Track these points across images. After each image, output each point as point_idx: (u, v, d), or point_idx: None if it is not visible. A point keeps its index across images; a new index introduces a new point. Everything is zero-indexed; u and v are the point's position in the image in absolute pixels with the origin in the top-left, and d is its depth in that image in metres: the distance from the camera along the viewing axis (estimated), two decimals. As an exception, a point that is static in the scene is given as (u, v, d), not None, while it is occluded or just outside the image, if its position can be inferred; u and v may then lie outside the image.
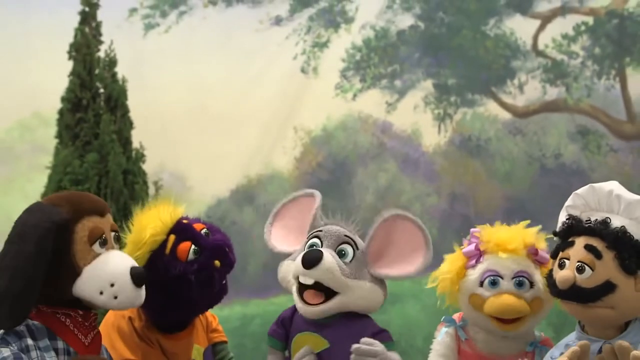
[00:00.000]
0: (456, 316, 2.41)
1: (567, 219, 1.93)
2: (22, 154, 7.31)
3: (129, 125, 5.39)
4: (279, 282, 2.49)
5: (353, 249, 2.33)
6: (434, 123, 7.00)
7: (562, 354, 1.95)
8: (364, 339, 2.23)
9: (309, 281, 2.27)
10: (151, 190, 5.35)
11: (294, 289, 2.33)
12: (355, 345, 2.21)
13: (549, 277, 1.93)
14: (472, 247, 2.31)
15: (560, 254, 1.89)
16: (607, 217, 1.86)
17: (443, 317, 2.43)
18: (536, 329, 2.36)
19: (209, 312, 2.53)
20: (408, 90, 7.12)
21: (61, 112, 5.26)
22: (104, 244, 1.88)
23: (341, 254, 2.31)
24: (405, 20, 7.23)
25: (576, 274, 1.82)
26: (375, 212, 2.42)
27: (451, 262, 2.35)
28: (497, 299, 2.21)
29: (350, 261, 2.31)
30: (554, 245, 2.01)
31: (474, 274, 2.27)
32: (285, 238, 2.49)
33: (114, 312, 2.37)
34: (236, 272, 2.41)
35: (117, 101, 5.33)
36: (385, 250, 2.37)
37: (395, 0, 7.26)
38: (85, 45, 5.33)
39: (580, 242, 1.85)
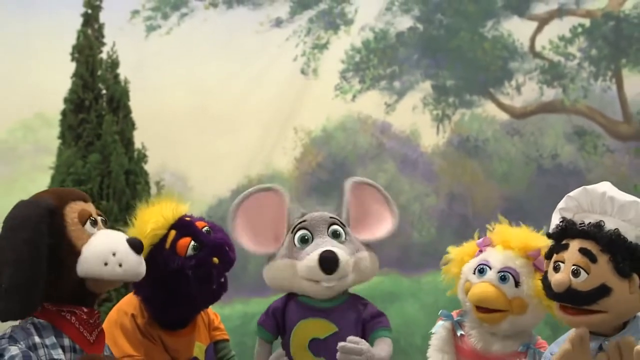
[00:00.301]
0: (454, 312, 2.43)
1: (560, 222, 1.92)
2: (25, 154, 7.31)
3: (131, 126, 5.39)
4: (268, 284, 2.48)
5: (341, 227, 2.37)
6: (433, 124, 7.00)
7: None
8: (350, 337, 2.24)
9: (331, 284, 2.28)
10: (153, 190, 5.35)
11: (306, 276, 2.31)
12: (341, 343, 2.22)
13: (544, 279, 1.93)
14: (484, 239, 2.35)
15: (555, 257, 1.89)
16: (600, 220, 1.85)
17: (440, 311, 2.44)
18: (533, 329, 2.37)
19: (211, 310, 2.54)
20: (407, 91, 7.12)
21: (64, 113, 5.27)
22: (94, 224, 1.91)
23: (336, 235, 2.34)
24: (404, 22, 7.23)
25: (571, 277, 1.82)
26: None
27: (464, 247, 2.40)
28: (477, 287, 2.24)
29: (345, 239, 2.35)
30: None
31: (473, 262, 2.30)
32: (260, 238, 2.45)
33: (117, 309, 2.37)
34: (237, 270, 2.41)
35: (119, 102, 5.34)
36: (361, 217, 2.43)
37: (394, 3, 7.26)
38: (88, 47, 5.33)
39: (574, 245, 1.85)
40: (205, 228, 2.31)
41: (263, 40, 7.31)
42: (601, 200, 1.89)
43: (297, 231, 2.36)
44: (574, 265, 1.82)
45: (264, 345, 2.43)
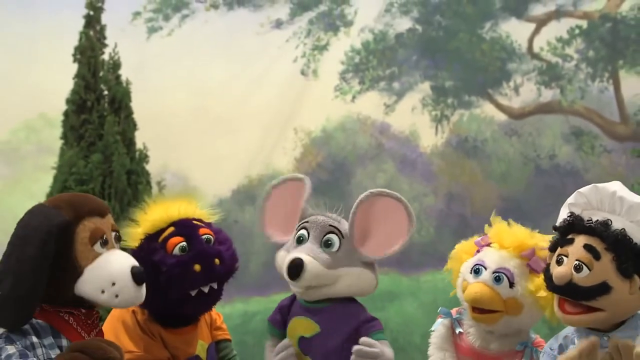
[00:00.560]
0: (453, 310, 2.43)
1: (568, 216, 1.92)
2: (27, 155, 7.31)
3: (133, 126, 5.39)
4: (280, 275, 2.48)
5: (339, 237, 2.31)
6: (431, 124, 7.00)
7: (560, 345, 1.96)
8: (364, 339, 2.21)
9: (299, 290, 2.27)
10: (154, 190, 5.35)
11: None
12: (356, 347, 2.19)
13: (546, 272, 1.93)
14: (482, 238, 2.35)
15: (559, 250, 1.88)
16: (608, 219, 1.85)
17: (439, 309, 2.44)
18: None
19: (214, 310, 2.53)
20: (406, 92, 7.12)
21: (66, 114, 5.26)
22: (104, 244, 1.88)
23: (327, 244, 2.30)
24: (403, 24, 7.23)
25: (573, 272, 1.82)
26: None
27: (463, 245, 2.40)
28: (472, 287, 2.23)
29: (338, 250, 2.30)
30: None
31: (470, 261, 2.30)
32: (279, 225, 2.45)
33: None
34: (238, 270, 2.41)
35: (121, 103, 5.33)
36: (369, 232, 2.34)
37: (394, 4, 7.26)
38: (90, 48, 5.33)
39: (580, 240, 1.85)
40: (207, 236, 2.29)
41: (263, 42, 7.31)
42: (611, 199, 1.89)
43: (299, 229, 2.36)
44: (577, 260, 1.82)
45: (273, 340, 2.43)
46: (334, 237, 2.30)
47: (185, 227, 2.28)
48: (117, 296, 1.84)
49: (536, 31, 7.01)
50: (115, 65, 5.42)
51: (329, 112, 7.13)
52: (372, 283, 2.37)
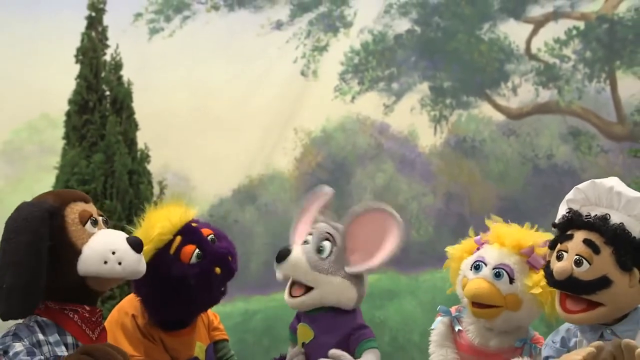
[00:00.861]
0: (453, 308, 2.43)
1: (567, 212, 1.92)
2: (30, 155, 7.31)
3: (134, 126, 5.39)
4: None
5: (331, 244, 2.34)
6: (430, 124, 7.00)
7: (562, 337, 1.96)
8: (332, 352, 2.24)
9: (279, 275, 2.33)
10: (156, 189, 5.35)
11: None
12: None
13: (546, 268, 1.93)
14: (482, 236, 2.35)
15: (559, 246, 1.89)
16: (606, 213, 1.86)
17: (439, 307, 2.44)
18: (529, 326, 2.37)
19: (211, 311, 2.53)
20: (405, 93, 7.12)
21: (68, 114, 5.27)
22: (95, 223, 1.92)
23: (319, 250, 2.33)
24: (402, 25, 7.23)
25: (574, 266, 1.82)
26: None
27: (463, 245, 2.40)
28: (472, 283, 2.24)
29: (327, 257, 2.32)
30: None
31: (470, 259, 2.30)
32: (303, 234, 2.48)
33: (117, 309, 2.37)
34: (238, 269, 2.42)
35: (122, 103, 5.34)
36: (360, 245, 2.36)
37: (393, 5, 7.26)
38: (92, 49, 5.33)
39: (579, 236, 1.85)
40: (211, 236, 2.31)
41: (264, 43, 7.31)
42: (608, 194, 1.89)
43: (308, 234, 2.40)
44: (577, 255, 1.82)
45: (293, 347, 2.46)
46: (327, 244, 2.34)
47: (190, 233, 2.29)
48: (120, 263, 1.87)
49: (534, 32, 7.01)
50: (117, 66, 5.43)
51: (329, 112, 7.13)
52: (352, 297, 2.35)
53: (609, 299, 1.80)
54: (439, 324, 2.40)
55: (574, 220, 1.89)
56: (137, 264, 1.91)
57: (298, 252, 2.30)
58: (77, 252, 1.85)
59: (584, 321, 1.84)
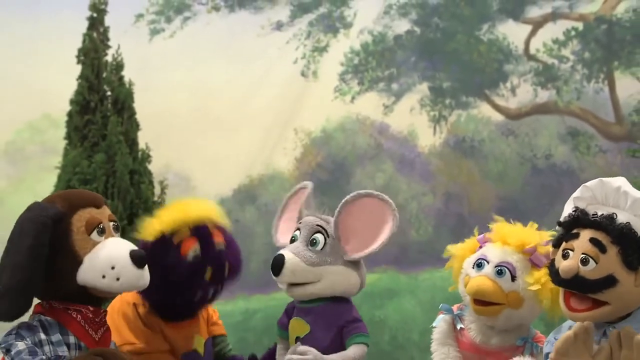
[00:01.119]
0: (454, 306, 2.43)
1: (573, 211, 1.92)
2: (32, 155, 7.31)
3: (136, 126, 5.39)
4: None
5: (324, 236, 2.34)
6: (430, 125, 7.00)
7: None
8: (300, 348, 2.25)
9: (283, 285, 2.31)
10: (157, 189, 5.35)
11: None
12: (287, 356, 2.26)
13: (551, 266, 1.93)
14: (484, 235, 2.36)
15: (564, 245, 1.89)
16: (613, 213, 1.86)
17: (441, 305, 2.45)
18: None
19: (210, 307, 2.54)
20: (404, 93, 7.12)
21: (70, 114, 5.26)
22: (102, 232, 1.89)
23: (313, 243, 2.33)
24: (402, 26, 7.23)
25: (580, 265, 1.82)
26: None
27: (465, 244, 2.41)
28: (475, 280, 2.25)
29: (322, 248, 2.33)
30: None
31: (472, 257, 2.31)
32: (287, 231, 2.50)
33: (119, 298, 2.37)
34: (232, 284, 2.44)
35: (123, 103, 5.33)
36: (354, 232, 2.38)
37: (392, 6, 7.26)
38: (93, 50, 5.33)
39: (585, 234, 1.85)
40: (220, 244, 2.31)
41: (264, 43, 7.31)
42: (616, 194, 1.89)
43: (295, 230, 2.40)
44: (583, 253, 1.82)
45: (282, 342, 2.46)
46: (319, 236, 2.35)
47: (201, 232, 2.30)
48: (118, 279, 1.85)
49: (532, 33, 7.01)
50: (118, 66, 5.42)
51: (329, 112, 7.13)
52: (355, 283, 2.39)
53: (615, 298, 1.80)
54: (440, 322, 2.40)
55: (581, 219, 1.89)
56: (136, 279, 1.88)
57: (290, 256, 2.29)
58: (79, 262, 1.84)
59: (588, 320, 1.84)
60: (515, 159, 6.85)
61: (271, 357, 2.45)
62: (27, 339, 1.75)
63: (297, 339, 2.34)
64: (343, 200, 2.38)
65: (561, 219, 1.95)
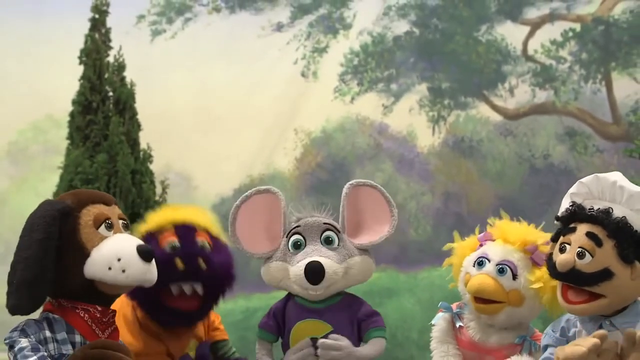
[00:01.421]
0: (454, 304, 2.43)
1: (570, 205, 1.92)
2: (35, 155, 7.31)
3: (137, 127, 5.39)
4: (267, 283, 2.46)
5: (335, 233, 2.34)
6: (429, 125, 7.01)
7: (562, 327, 1.96)
8: (332, 335, 2.25)
9: (319, 292, 2.27)
10: (158, 189, 5.35)
11: (295, 282, 2.31)
12: (321, 340, 2.23)
13: (549, 260, 1.93)
14: (484, 233, 2.35)
15: (562, 239, 1.89)
16: (609, 207, 1.86)
17: (440, 304, 2.44)
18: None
19: (212, 312, 2.52)
20: (403, 94, 7.12)
21: (72, 115, 5.26)
22: (110, 227, 1.89)
23: (328, 242, 2.32)
24: (401, 27, 7.23)
25: (576, 258, 1.82)
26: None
27: (466, 242, 2.40)
28: (476, 278, 2.24)
29: (338, 245, 2.33)
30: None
31: (473, 255, 2.30)
32: (257, 240, 2.41)
33: (120, 300, 2.36)
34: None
35: (125, 104, 5.33)
36: (359, 221, 2.39)
37: (392, 8, 7.26)
38: (95, 51, 5.33)
39: (582, 228, 1.86)
40: (202, 241, 2.28)
41: (264, 44, 7.31)
42: (611, 189, 1.90)
43: (291, 236, 2.36)
44: (579, 247, 1.83)
45: (265, 345, 2.42)
46: (332, 234, 2.33)
47: (183, 229, 2.29)
48: (123, 271, 1.83)
49: (530, 34, 7.01)
50: (120, 67, 5.42)
51: (329, 113, 7.13)
52: (373, 267, 2.42)
53: (611, 291, 1.80)
54: (440, 320, 2.39)
55: (577, 214, 1.89)
56: (142, 273, 1.87)
57: (325, 261, 2.26)
58: (86, 255, 1.83)
59: (585, 312, 1.85)
60: (514, 158, 6.86)
61: None
62: (32, 336, 1.75)
63: (313, 339, 2.29)
64: (343, 194, 2.39)
65: (559, 214, 1.96)
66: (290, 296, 2.42)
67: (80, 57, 5.35)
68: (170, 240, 2.24)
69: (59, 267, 1.81)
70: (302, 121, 7.13)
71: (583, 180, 1.95)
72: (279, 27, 7.40)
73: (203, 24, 7.48)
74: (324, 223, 2.35)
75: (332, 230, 2.34)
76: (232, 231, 2.40)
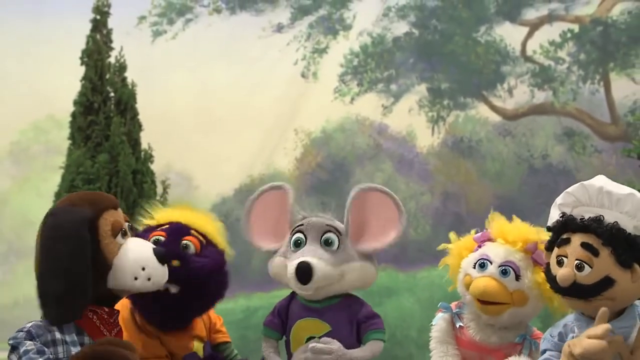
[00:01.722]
0: (453, 304, 2.42)
1: (560, 217, 1.91)
2: (36, 155, 7.31)
3: (138, 127, 5.39)
4: (272, 278, 2.46)
5: (337, 235, 2.31)
6: (428, 125, 7.01)
7: (560, 333, 1.96)
8: (323, 339, 2.22)
9: (309, 292, 2.27)
10: (159, 189, 5.35)
11: (290, 279, 2.31)
12: (311, 344, 2.22)
13: (547, 272, 1.92)
14: (482, 234, 2.34)
15: (557, 251, 1.88)
16: (600, 215, 1.85)
17: (440, 304, 2.43)
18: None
19: (213, 314, 2.51)
20: (403, 94, 7.12)
21: (74, 115, 5.27)
22: (124, 234, 1.89)
23: (328, 243, 2.30)
24: (401, 28, 7.23)
25: (576, 272, 1.81)
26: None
27: (462, 242, 2.38)
28: (479, 281, 2.22)
29: (338, 248, 2.30)
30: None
31: (472, 256, 2.29)
32: (266, 234, 2.41)
33: (120, 302, 2.36)
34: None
35: (126, 104, 5.33)
36: (363, 226, 2.35)
37: (391, 9, 7.26)
38: (97, 52, 5.33)
39: (576, 239, 1.84)
40: (187, 242, 2.24)
41: (265, 45, 7.31)
42: (598, 195, 1.89)
43: (294, 233, 2.35)
44: (577, 259, 1.82)
45: (271, 342, 2.41)
46: (333, 236, 2.31)
47: (174, 228, 2.28)
48: (149, 279, 1.86)
49: (529, 35, 7.01)
50: (121, 67, 5.43)
51: (329, 113, 7.13)
52: (374, 274, 2.39)
53: (614, 297, 1.80)
54: (439, 320, 2.38)
55: (569, 224, 1.88)
56: (162, 277, 1.92)
57: (316, 261, 2.23)
58: (108, 267, 1.82)
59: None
60: (513, 159, 6.86)
61: None
62: (37, 338, 1.73)
63: (310, 339, 2.28)
64: (350, 197, 2.34)
65: (549, 224, 1.95)
66: (293, 294, 2.41)
67: (81, 58, 5.35)
68: (156, 236, 2.24)
69: None
70: (302, 121, 7.13)
71: (569, 190, 1.94)
72: (279, 28, 7.41)
73: (204, 25, 7.48)
74: (327, 224, 2.33)
75: (333, 233, 2.32)
76: (245, 223, 2.42)
